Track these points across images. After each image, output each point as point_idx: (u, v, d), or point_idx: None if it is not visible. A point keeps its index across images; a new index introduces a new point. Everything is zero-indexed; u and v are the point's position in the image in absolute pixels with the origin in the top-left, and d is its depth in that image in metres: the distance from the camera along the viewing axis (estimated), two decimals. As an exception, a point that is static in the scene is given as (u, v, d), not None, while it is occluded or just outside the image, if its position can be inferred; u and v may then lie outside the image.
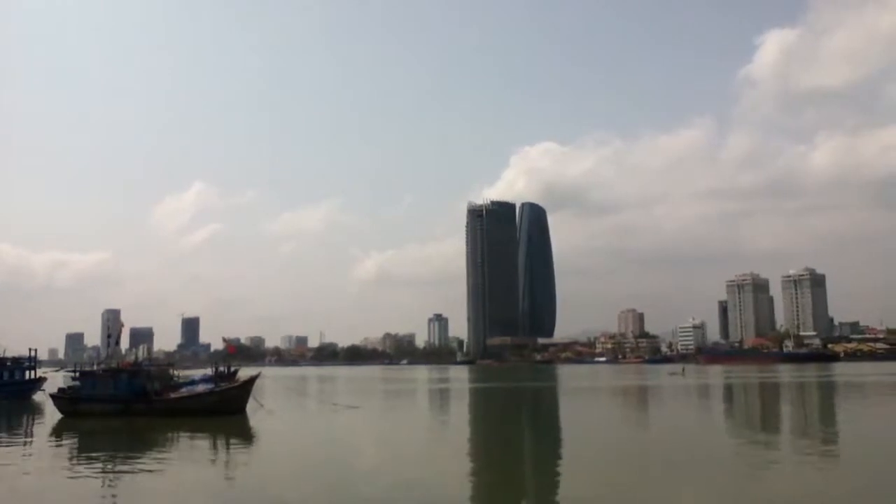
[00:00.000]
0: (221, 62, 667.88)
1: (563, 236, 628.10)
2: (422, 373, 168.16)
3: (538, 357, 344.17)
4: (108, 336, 68.20)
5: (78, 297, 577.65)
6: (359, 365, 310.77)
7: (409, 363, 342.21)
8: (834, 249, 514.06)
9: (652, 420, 43.45)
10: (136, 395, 42.59)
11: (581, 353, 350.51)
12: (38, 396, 62.51)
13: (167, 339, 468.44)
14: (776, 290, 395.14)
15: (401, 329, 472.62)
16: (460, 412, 52.56)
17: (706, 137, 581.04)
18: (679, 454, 25.85)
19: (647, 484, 20.13)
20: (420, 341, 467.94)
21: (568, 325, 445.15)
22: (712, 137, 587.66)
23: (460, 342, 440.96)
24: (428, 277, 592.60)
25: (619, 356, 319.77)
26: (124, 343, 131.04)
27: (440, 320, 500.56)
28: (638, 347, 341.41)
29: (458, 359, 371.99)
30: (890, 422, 39.66)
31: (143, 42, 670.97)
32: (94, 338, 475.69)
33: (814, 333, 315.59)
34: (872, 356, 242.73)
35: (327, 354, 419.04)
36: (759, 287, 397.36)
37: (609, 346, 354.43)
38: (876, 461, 23.97)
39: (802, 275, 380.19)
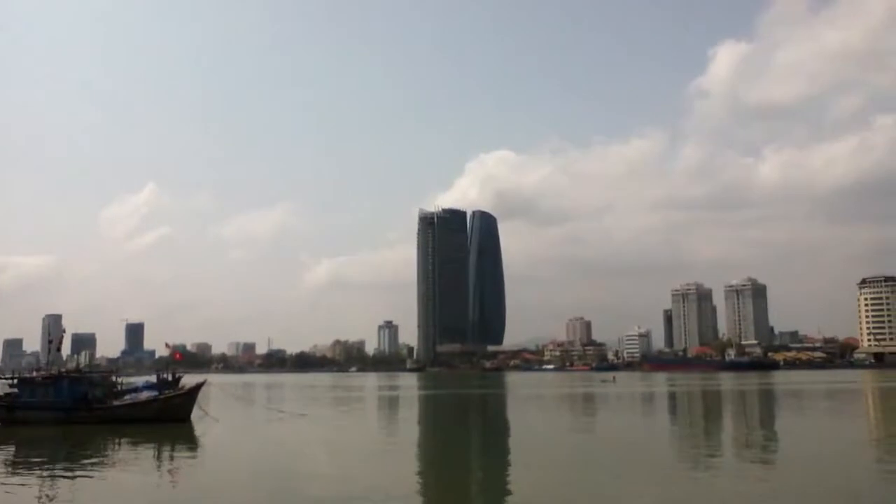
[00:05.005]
0: (174, 62, 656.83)
1: (514, 245, 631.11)
2: (371, 380, 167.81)
3: (487, 364, 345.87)
4: (49, 342, 66.24)
5: (18, 302, 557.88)
6: (307, 372, 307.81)
7: (359, 370, 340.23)
8: (776, 260, 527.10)
9: (590, 426, 44.36)
10: (77, 403, 41.81)
11: (529, 360, 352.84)
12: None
13: (111, 346, 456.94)
14: (719, 300, 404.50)
15: (351, 336, 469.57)
16: (409, 420, 52.72)
17: (657, 148, 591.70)
18: (612, 457, 26.62)
19: (588, 489, 20.69)
20: (370, 348, 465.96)
21: (517, 332, 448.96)
22: (663, 148, 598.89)
23: (410, 349, 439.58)
24: (379, 284, 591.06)
25: (567, 364, 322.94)
26: (65, 349, 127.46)
27: (390, 327, 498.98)
28: (585, 355, 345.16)
29: (408, 366, 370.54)
30: (822, 430, 41.16)
31: (94, 42, 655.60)
32: (33, 344, 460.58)
33: (755, 342, 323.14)
34: (810, 364, 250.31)
35: (276, 361, 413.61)
36: (703, 296, 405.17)
37: (557, 353, 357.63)
38: (804, 466, 24.97)
39: (745, 285, 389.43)
